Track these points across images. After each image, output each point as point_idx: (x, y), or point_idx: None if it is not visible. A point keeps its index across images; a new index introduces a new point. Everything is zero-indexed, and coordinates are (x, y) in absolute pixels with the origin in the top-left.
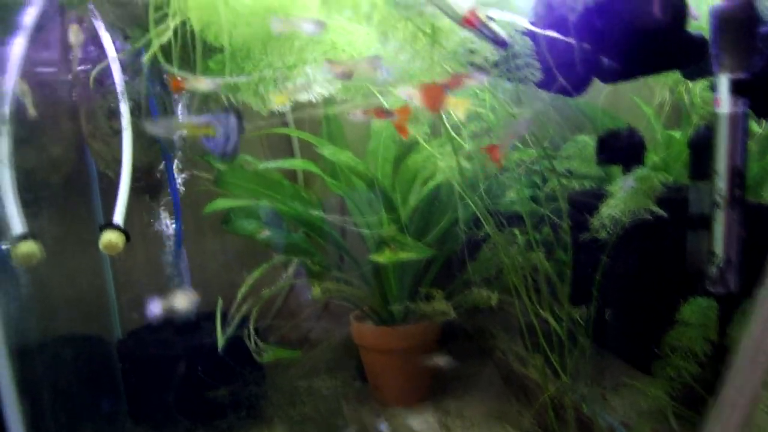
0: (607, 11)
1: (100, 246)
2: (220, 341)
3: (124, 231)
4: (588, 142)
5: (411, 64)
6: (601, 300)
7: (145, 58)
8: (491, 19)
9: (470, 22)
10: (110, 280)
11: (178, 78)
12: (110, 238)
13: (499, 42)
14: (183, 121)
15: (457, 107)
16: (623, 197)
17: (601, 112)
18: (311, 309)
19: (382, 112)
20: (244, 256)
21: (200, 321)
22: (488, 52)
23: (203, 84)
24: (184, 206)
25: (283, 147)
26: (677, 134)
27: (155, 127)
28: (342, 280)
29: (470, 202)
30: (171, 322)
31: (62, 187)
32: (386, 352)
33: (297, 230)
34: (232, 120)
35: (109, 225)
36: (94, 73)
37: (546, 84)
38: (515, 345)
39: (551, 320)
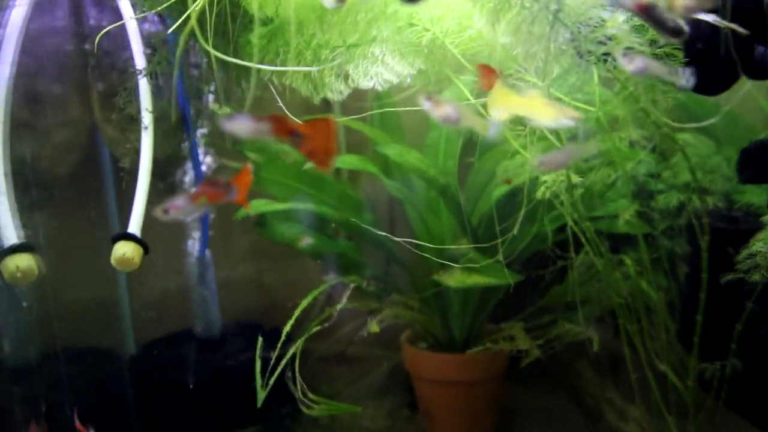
0: None
1: (113, 261)
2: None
3: (142, 242)
4: (710, 150)
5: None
6: (743, 355)
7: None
8: None
9: (643, 8)
10: (123, 285)
11: None
12: (124, 251)
13: (671, 30)
14: None
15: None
16: None
17: (711, 108)
18: (351, 322)
19: None
20: (278, 259)
21: (227, 336)
22: (633, 40)
23: None
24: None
25: None
26: None
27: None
28: (399, 303)
29: (570, 221)
30: (192, 333)
31: (69, 179)
32: (446, 384)
33: (338, 234)
34: None
35: (124, 236)
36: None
37: None
38: (609, 390)
39: (671, 375)
